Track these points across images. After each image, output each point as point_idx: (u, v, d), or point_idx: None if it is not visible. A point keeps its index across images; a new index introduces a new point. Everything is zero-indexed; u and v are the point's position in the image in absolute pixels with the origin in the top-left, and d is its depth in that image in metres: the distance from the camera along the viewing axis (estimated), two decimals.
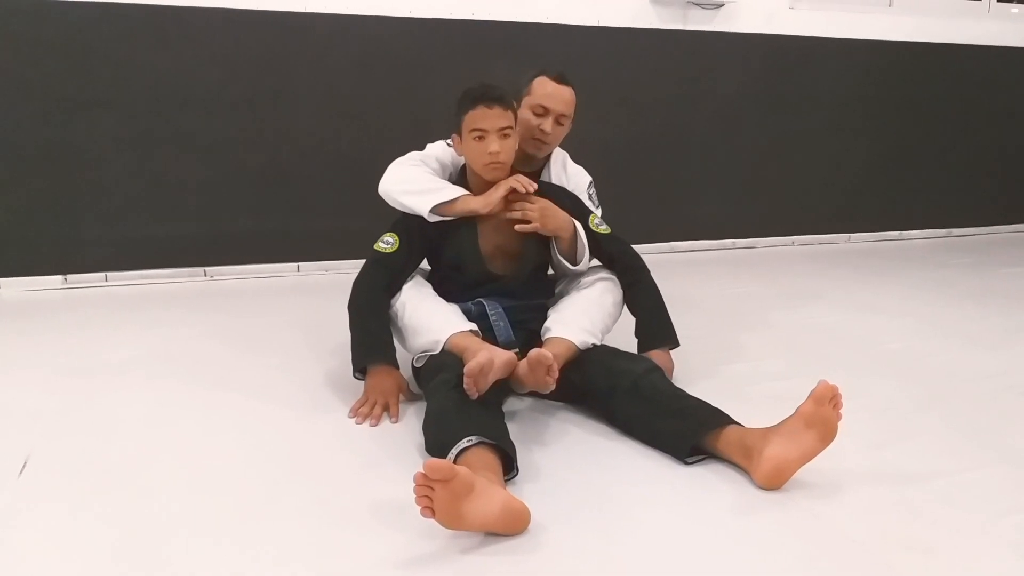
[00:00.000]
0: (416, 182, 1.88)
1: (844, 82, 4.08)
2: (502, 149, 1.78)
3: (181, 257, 3.13)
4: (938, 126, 4.37)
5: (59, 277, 3.00)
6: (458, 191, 1.85)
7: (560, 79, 2.00)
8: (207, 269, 3.18)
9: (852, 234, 4.32)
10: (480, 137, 1.77)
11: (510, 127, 1.79)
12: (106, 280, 3.05)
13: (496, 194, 1.83)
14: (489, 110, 1.75)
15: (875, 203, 4.34)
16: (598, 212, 2.09)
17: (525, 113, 1.98)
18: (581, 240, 1.93)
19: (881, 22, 4.05)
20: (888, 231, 4.41)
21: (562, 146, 2.15)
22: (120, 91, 2.94)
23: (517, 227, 1.85)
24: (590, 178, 2.15)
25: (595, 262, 2.02)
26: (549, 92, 1.98)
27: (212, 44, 3.02)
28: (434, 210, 1.83)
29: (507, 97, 1.79)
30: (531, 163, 2.06)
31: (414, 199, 1.86)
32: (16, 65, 2.82)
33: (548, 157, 2.09)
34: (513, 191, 1.84)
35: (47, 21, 2.82)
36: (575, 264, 1.95)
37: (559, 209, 1.90)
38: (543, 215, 1.86)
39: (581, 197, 2.06)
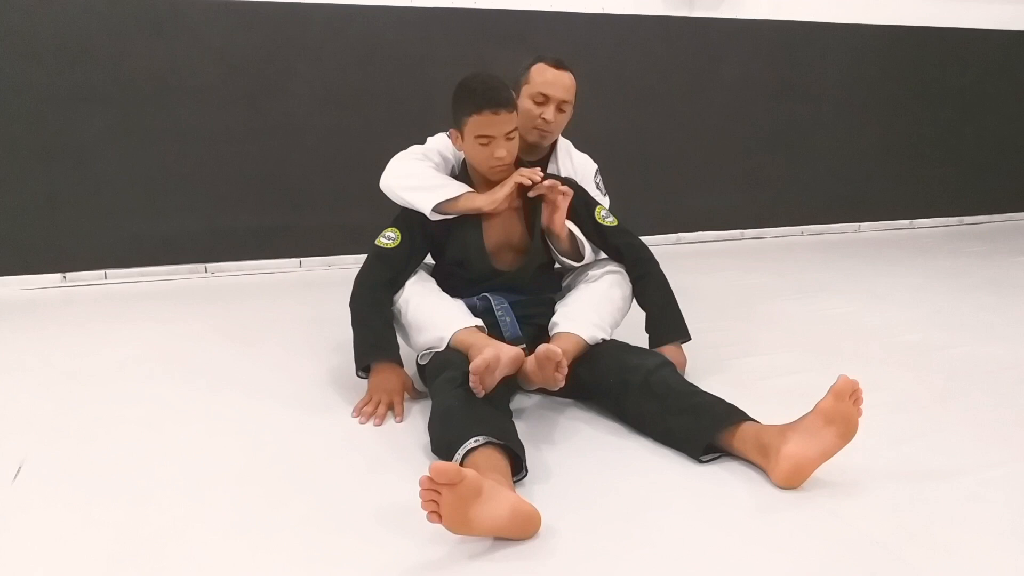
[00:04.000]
0: (418, 178, 1.82)
1: (853, 68, 4.02)
2: (508, 152, 1.72)
3: (181, 253, 3.10)
4: (948, 113, 4.30)
5: (58, 275, 2.96)
6: (461, 188, 1.80)
7: (559, 64, 1.94)
8: (208, 265, 3.14)
9: (862, 223, 4.27)
10: (486, 143, 1.71)
11: (515, 129, 1.73)
12: (105, 278, 3.01)
13: (501, 193, 1.76)
14: (496, 116, 1.66)
15: (885, 192, 4.29)
16: (605, 201, 2.04)
17: (525, 102, 1.92)
18: (577, 235, 1.88)
19: (890, 6, 3.98)
20: (898, 220, 4.35)
21: (567, 136, 2.10)
22: (118, 85, 2.90)
23: (545, 202, 1.80)
24: (596, 166, 2.10)
25: (602, 255, 1.97)
26: (549, 79, 1.92)
27: (211, 37, 2.97)
28: (436, 208, 1.78)
29: (511, 97, 1.70)
30: (535, 152, 2.01)
31: (416, 195, 1.80)
32: (12, 60, 2.78)
33: (553, 146, 2.04)
34: (520, 185, 1.78)
35: (43, 16, 2.78)
36: (578, 260, 1.91)
37: None
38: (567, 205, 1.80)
39: (588, 186, 2.01)
